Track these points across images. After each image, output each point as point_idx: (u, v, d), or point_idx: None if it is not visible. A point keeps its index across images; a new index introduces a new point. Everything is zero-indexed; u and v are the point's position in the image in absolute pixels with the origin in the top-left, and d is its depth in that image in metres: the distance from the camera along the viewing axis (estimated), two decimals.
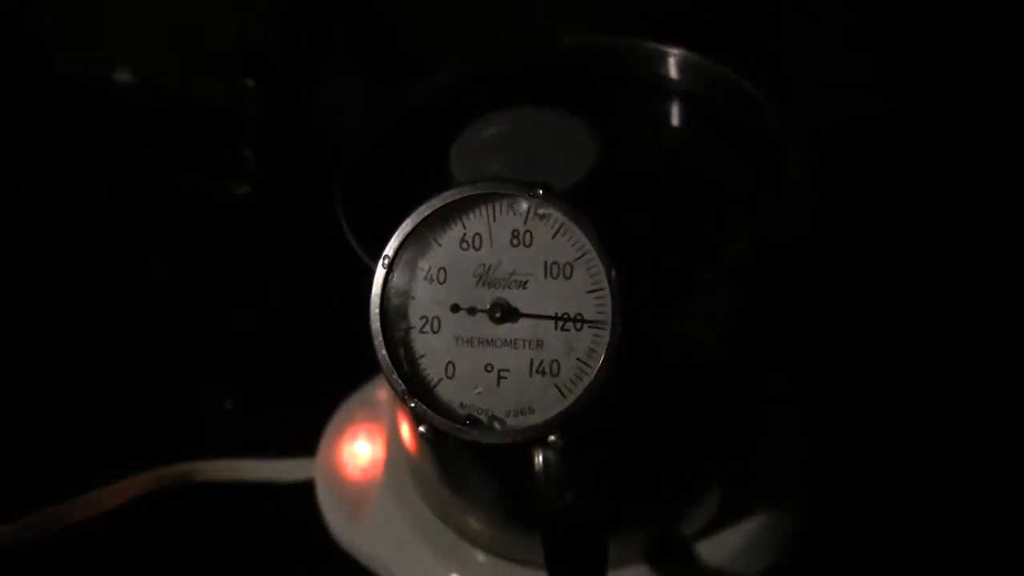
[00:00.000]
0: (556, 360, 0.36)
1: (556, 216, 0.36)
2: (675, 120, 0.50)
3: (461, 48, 0.53)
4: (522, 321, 0.36)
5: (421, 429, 0.37)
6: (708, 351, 0.47)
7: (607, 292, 0.35)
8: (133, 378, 0.63)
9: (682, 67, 0.50)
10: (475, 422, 0.36)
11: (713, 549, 0.51)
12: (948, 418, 0.57)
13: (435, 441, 0.37)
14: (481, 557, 0.51)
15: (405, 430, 0.53)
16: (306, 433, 0.60)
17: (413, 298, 0.37)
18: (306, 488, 0.57)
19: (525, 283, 0.36)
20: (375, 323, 0.37)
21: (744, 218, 0.45)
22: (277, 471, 0.58)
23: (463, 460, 0.50)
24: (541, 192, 0.36)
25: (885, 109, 0.63)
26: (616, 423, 0.40)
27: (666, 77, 0.50)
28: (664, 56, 0.50)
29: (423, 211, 0.36)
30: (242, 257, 0.69)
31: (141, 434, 0.61)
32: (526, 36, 0.55)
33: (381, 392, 0.59)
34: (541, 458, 0.38)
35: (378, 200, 0.44)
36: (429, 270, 0.37)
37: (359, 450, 0.58)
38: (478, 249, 0.37)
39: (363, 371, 0.60)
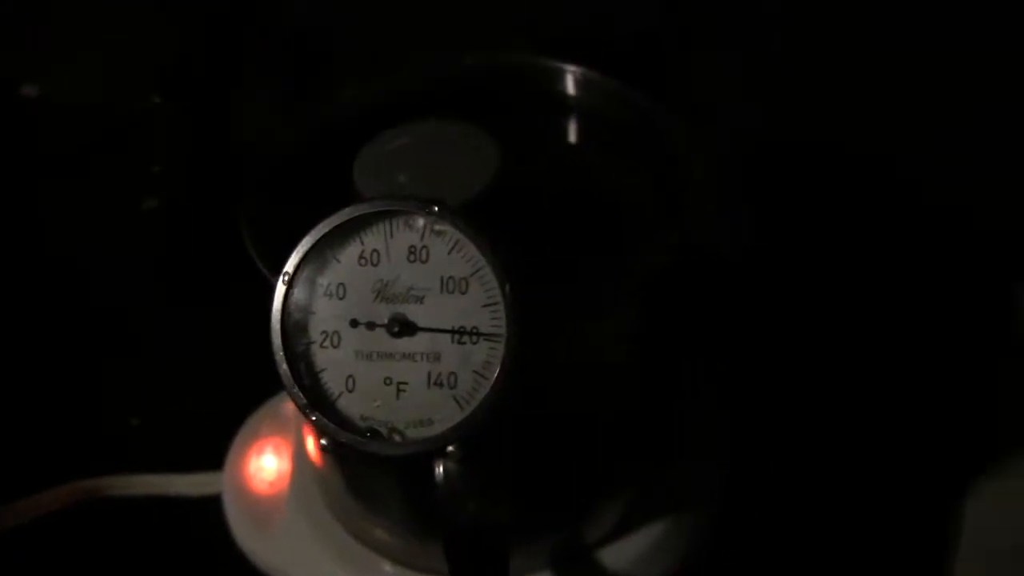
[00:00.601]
0: (453, 372, 0.37)
1: (451, 232, 0.37)
2: (574, 136, 0.52)
3: (370, 67, 0.54)
4: (420, 335, 0.37)
5: (323, 442, 0.37)
6: (612, 363, 0.48)
7: (502, 306, 0.36)
8: (40, 394, 0.63)
9: (580, 84, 0.51)
10: (375, 434, 0.37)
11: (616, 554, 0.52)
12: (854, 426, 0.59)
13: (336, 453, 0.37)
14: (388, 567, 0.52)
15: (311, 443, 0.53)
16: (213, 448, 0.60)
17: (313, 313, 0.38)
18: (214, 502, 0.57)
19: (422, 298, 0.37)
20: (276, 338, 0.37)
21: (644, 232, 0.46)
22: (185, 485, 0.58)
23: (369, 472, 0.50)
24: (436, 209, 0.37)
25: (779, 121, 0.65)
26: (516, 434, 0.41)
27: (564, 94, 0.52)
28: (562, 73, 0.51)
29: (322, 228, 0.37)
30: (149, 272, 0.69)
31: (47, 451, 0.60)
32: (429, 55, 0.56)
33: (287, 406, 0.60)
34: (442, 469, 0.39)
35: (282, 217, 0.45)
36: (328, 286, 0.38)
37: (266, 464, 0.58)
38: (376, 265, 0.37)
39: (269, 386, 0.60)
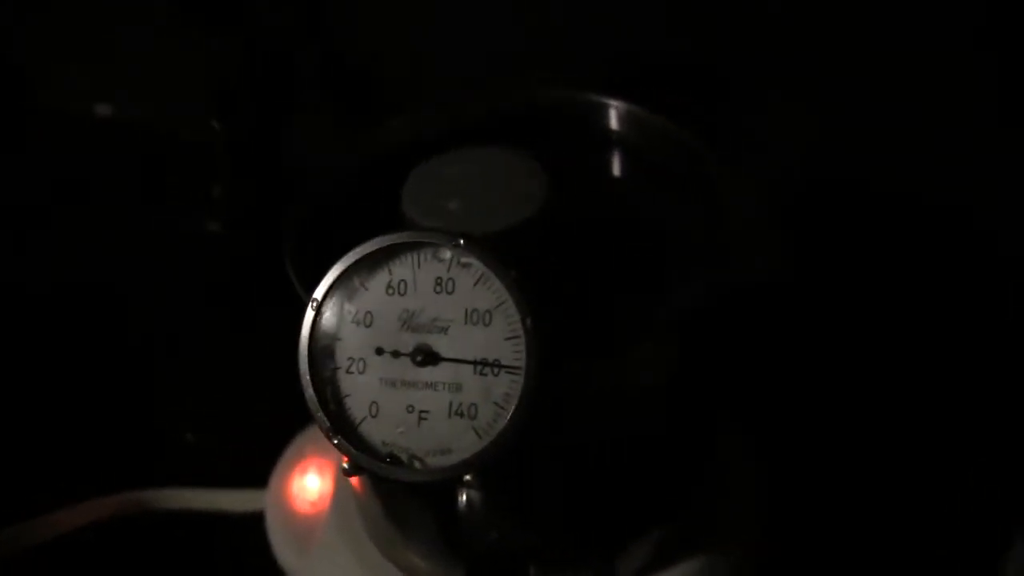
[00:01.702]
0: (474, 403, 0.37)
1: (477, 266, 0.37)
2: (620, 170, 0.52)
3: (421, 94, 0.55)
4: (443, 365, 0.38)
5: (344, 465, 0.38)
6: (646, 396, 0.48)
7: (523, 340, 0.37)
8: (95, 405, 0.65)
9: (626, 119, 0.52)
10: (396, 460, 0.38)
11: None
12: (892, 464, 0.58)
13: (355, 476, 0.38)
14: None
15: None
16: (259, 466, 0.61)
17: (340, 340, 0.39)
18: (256, 520, 0.59)
19: (447, 329, 0.38)
20: (303, 363, 0.38)
21: (686, 265, 0.46)
22: (228, 501, 0.60)
23: (404, 497, 0.51)
24: (463, 242, 0.37)
25: (831, 160, 0.65)
26: (543, 465, 0.42)
27: (611, 128, 0.52)
28: (607, 107, 0.52)
29: (351, 257, 0.38)
30: (206, 291, 0.70)
31: (99, 462, 0.62)
32: (479, 85, 0.57)
33: None
34: (464, 497, 0.40)
35: (327, 242, 0.46)
36: (356, 313, 0.38)
37: (309, 484, 0.59)
38: (403, 295, 0.38)
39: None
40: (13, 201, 0.79)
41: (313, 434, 0.61)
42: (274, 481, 0.60)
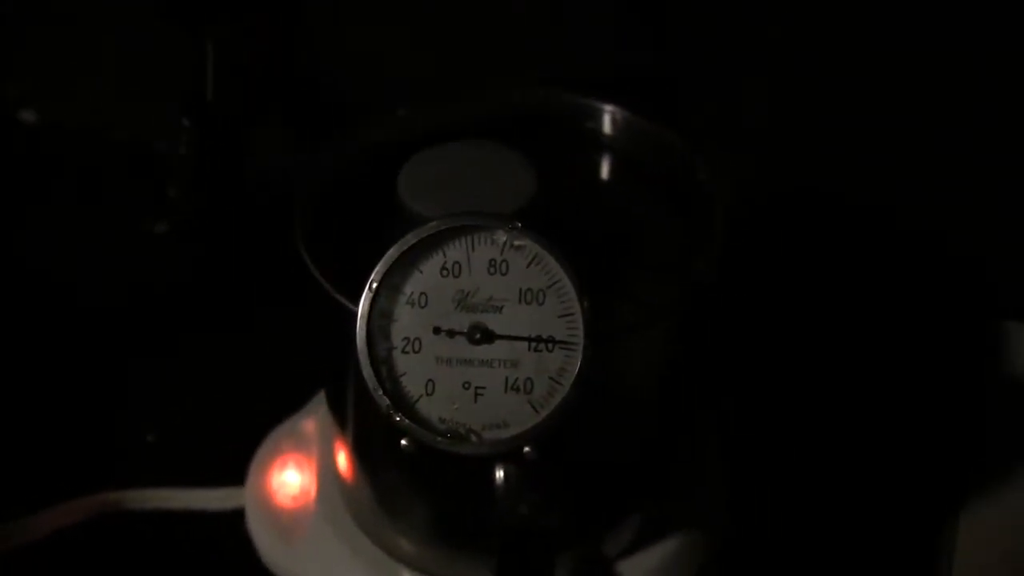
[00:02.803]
0: (530, 378, 0.39)
1: (531, 247, 0.40)
2: (603, 167, 0.55)
3: (387, 101, 0.57)
4: (498, 343, 0.40)
5: (403, 442, 0.40)
6: (641, 385, 0.51)
7: (578, 317, 0.39)
8: (60, 409, 0.64)
9: (607, 118, 0.54)
10: (455, 435, 0.39)
11: (632, 569, 0.55)
12: (850, 446, 0.62)
13: (416, 453, 0.39)
14: None
15: (341, 458, 0.55)
16: (229, 465, 0.61)
17: (395, 320, 0.40)
18: (235, 517, 0.59)
19: (501, 308, 0.40)
20: (361, 343, 0.39)
21: (671, 263, 0.49)
22: (207, 499, 0.60)
23: (399, 483, 0.52)
24: (519, 225, 0.39)
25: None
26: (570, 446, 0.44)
27: (594, 128, 0.55)
28: (590, 108, 0.54)
29: (408, 240, 0.40)
30: (165, 291, 0.70)
31: (69, 465, 0.61)
32: (456, 88, 0.59)
33: (307, 424, 0.62)
34: (502, 472, 0.41)
35: (333, 232, 0.47)
36: (411, 295, 0.40)
37: (288, 479, 0.59)
38: (457, 276, 0.40)
39: (285, 404, 0.62)
40: None
41: (288, 430, 0.62)
42: (252, 477, 0.60)
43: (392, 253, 0.40)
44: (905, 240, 0.71)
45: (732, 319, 0.64)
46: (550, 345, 0.39)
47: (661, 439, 0.55)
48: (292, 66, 0.62)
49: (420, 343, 0.40)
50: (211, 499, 0.60)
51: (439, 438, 0.39)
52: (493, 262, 0.40)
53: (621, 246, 0.50)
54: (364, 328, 0.39)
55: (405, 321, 0.40)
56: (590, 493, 0.51)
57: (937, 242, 0.70)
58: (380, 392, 0.39)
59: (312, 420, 0.62)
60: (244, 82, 0.60)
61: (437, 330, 0.40)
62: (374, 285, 0.39)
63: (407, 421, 0.39)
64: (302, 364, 0.57)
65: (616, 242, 0.50)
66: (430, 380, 0.40)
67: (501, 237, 0.40)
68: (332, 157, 0.52)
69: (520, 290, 0.40)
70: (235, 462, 0.61)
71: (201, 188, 0.66)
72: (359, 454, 0.53)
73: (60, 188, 0.76)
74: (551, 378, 0.39)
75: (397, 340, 0.40)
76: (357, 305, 0.40)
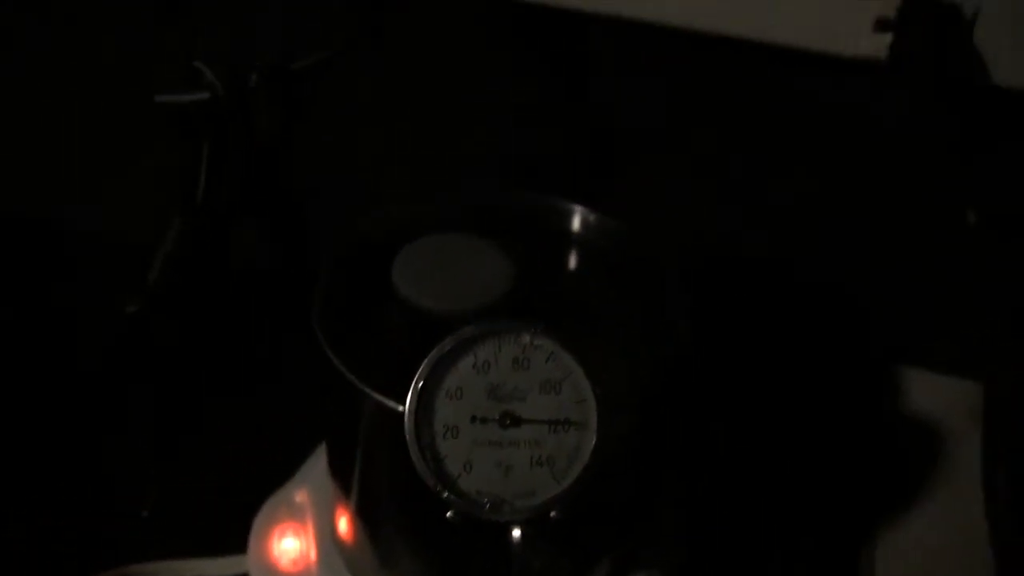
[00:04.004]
0: (551, 455, 0.48)
1: (548, 345, 0.48)
2: (575, 261, 0.63)
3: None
4: (524, 426, 0.48)
5: (449, 514, 0.47)
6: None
7: (590, 402, 0.48)
8: (61, 490, 0.69)
9: (580, 219, 0.63)
10: (493, 506, 0.47)
11: None
12: (784, 490, 0.72)
13: (460, 523, 0.47)
14: None
15: (343, 523, 0.62)
16: (222, 535, 0.67)
17: (436, 412, 0.48)
18: None
19: (525, 397, 0.48)
20: (410, 434, 0.47)
21: (636, 345, 0.58)
22: (213, 568, 0.66)
23: (397, 547, 0.60)
24: (540, 328, 0.48)
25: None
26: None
27: (566, 226, 0.63)
28: (565, 210, 0.63)
29: (446, 344, 0.47)
30: (144, 368, 0.76)
31: (76, 541, 0.66)
32: (433, 189, 0.67)
33: (299, 494, 0.68)
34: (519, 533, 0.50)
35: (337, 316, 0.55)
36: (449, 389, 0.48)
37: (287, 545, 0.66)
38: (487, 372, 0.48)
39: (271, 478, 0.69)
40: None
41: (282, 499, 0.68)
42: (253, 545, 0.66)
43: (434, 355, 0.47)
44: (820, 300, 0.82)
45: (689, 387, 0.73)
46: (567, 427, 0.48)
47: (632, 489, 0.63)
48: (276, 171, 0.69)
49: (458, 430, 0.47)
50: (217, 567, 0.66)
51: (481, 509, 0.47)
52: (517, 359, 0.48)
53: (590, 328, 0.59)
54: (412, 420, 0.47)
55: (444, 411, 0.48)
56: (585, 544, 0.59)
57: (850, 301, 0.81)
58: (428, 474, 0.47)
59: (303, 489, 0.68)
60: (231, 187, 0.67)
61: (473, 419, 0.47)
62: (419, 384, 0.47)
63: (452, 496, 0.47)
64: (283, 439, 0.65)
65: (585, 324, 0.59)
66: (468, 461, 0.47)
67: (524, 338, 0.48)
68: (333, 247, 0.60)
69: (541, 382, 0.48)
70: (228, 532, 0.67)
71: (185, 278, 0.72)
72: (364, 519, 0.60)
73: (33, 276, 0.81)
74: (569, 454, 0.47)
75: (438, 428, 0.47)
76: (366, 384, 0.48)
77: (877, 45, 0.67)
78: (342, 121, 0.75)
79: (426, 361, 0.47)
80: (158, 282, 0.73)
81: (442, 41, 0.73)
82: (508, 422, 0.47)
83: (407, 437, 0.47)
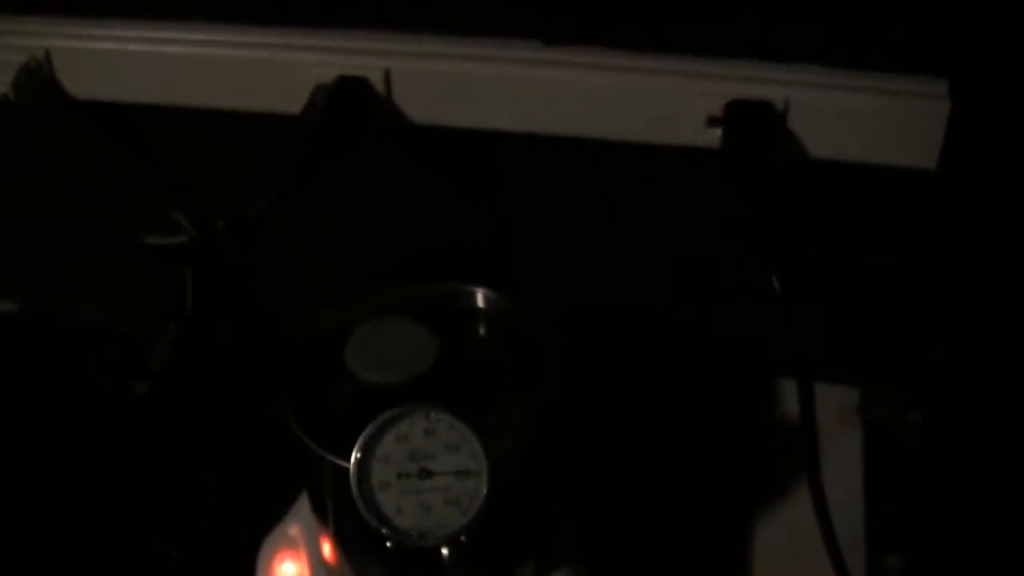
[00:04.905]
0: (458, 496, 0.67)
1: (447, 419, 0.67)
2: (482, 331, 0.82)
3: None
4: (436, 477, 0.67)
5: (388, 544, 0.66)
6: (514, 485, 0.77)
7: (482, 456, 0.66)
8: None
9: (483, 298, 0.82)
10: (420, 536, 0.66)
11: None
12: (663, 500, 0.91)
13: (398, 550, 0.66)
14: None
15: (326, 549, 0.81)
16: (235, 563, 0.87)
17: (371, 471, 0.67)
18: None
19: (436, 456, 0.67)
20: (355, 489, 0.66)
21: (524, 397, 0.76)
22: None
23: (366, 567, 0.79)
24: (439, 408, 0.66)
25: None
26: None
27: (475, 305, 0.82)
28: (472, 292, 0.82)
29: (377, 422, 0.66)
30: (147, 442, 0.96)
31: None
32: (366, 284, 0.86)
33: (292, 529, 0.87)
34: (447, 553, 0.69)
35: (300, 392, 0.74)
36: (379, 455, 0.67)
37: (287, 569, 0.85)
38: (406, 441, 0.67)
39: (271, 516, 0.88)
40: None
41: (278, 535, 0.88)
42: (261, 570, 0.86)
43: (367, 432, 0.66)
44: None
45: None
46: (468, 475, 0.66)
47: (530, 518, 0.81)
48: (246, 279, 0.89)
49: (389, 484, 0.66)
50: None
51: (410, 538, 0.66)
52: (427, 430, 0.67)
53: (495, 385, 0.78)
54: (356, 479, 0.66)
55: (378, 472, 0.67)
56: (495, 561, 0.78)
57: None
58: (371, 516, 0.66)
59: (296, 524, 0.87)
60: (210, 299, 0.86)
61: (399, 475, 0.66)
62: (358, 455, 0.66)
63: (389, 532, 0.66)
64: (279, 487, 0.83)
65: (490, 381, 0.78)
66: (398, 505, 0.66)
67: (431, 415, 0.67)
68: (294, 336, 0.79)
69: (446, 444, 0.67)
70: (238, 560, 0.86)
71: (182, 364, 0.91)
72: (339, 547, 0.79)
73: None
74: (471, 495, 0.66)
75: (376, 483, 0.66)
76: (332, 454, 0.67)
77: (709, 137, 0.86)
78: (291, 242, 0.95)
79: (361, 437, 0.66)
80: (160, 368, 0.92)
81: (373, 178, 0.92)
82: (424, 475, 0.66)
83: (353, 491, 0.66)
